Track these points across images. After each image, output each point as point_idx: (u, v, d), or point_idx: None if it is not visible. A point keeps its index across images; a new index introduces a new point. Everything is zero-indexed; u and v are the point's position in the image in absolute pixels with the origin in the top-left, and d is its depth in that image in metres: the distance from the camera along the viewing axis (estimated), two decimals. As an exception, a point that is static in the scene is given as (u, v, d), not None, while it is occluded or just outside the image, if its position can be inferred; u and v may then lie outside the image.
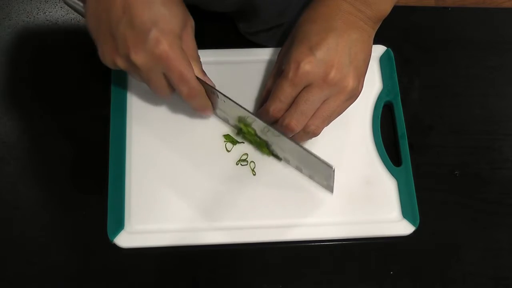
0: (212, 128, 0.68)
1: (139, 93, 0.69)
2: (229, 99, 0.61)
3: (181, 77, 0.57)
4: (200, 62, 0.61)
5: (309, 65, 0.57)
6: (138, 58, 0.55)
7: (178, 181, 0.65)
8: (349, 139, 0.68)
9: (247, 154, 0.66)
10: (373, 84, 0.71)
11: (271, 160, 0.67)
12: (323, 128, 0.62)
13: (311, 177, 0.66)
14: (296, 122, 0.59)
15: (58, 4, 0.75)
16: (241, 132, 0.66)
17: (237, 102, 0.61)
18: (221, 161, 0.66)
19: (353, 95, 0.61)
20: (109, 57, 0.57)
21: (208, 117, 0.68)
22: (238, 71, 0.70)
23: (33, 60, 0.72)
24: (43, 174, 0.67)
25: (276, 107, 0.60)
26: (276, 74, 0.64)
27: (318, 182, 0.66)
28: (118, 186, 0.64)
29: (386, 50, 0.73)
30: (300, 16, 0.63)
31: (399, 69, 0.72)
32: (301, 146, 0.60)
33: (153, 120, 0.68)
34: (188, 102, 0.60)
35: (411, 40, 0.76)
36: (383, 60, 0.73)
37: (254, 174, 0.66)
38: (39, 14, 0.75)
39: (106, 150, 0.66)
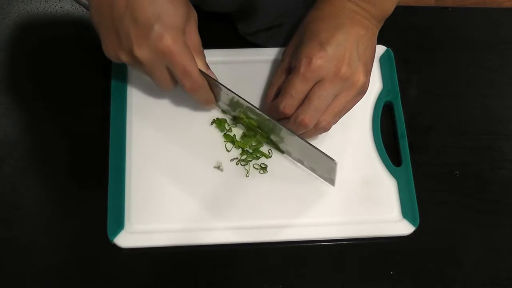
0: (213, 129, 0.68)
1: (139, 92, 0.69)
2: (232, 92, 0.62)
3: (185, 71, 0.57)
4: (204, 55, 0.61)
5: (321, 60, 0.58)
6: (142, 53, 0.55)
7: (178, 182, 0.65)
8: (349, 139, 0.68)
9: (246, 154, 0.67)
10: (373, 84, 0.71)
11: (270, 160, 0.67)
12: (333, 124, 0.62)
13: (312, 169, 0.66)
14: (309, 118, 0.60)
15: (58, 4, 0.75)
16: (243, 123, 0.67)
17: (239, 95, 0.62)
18: (221, 161, 0.66)
19: (363, 90, 0.62)
20: (113, 51, 0.57)
21: (210, 109, 0.68)
22: (238, 71, 0.70)
23: (32, 59, 0.72)
24: (43, 174, 0.67)
25: (287, 103, 0.60)
26: (282, 71, 0.64)
27: (319, 175, 0.66)
28: (118, 186, 0.64)
29: (386, 50, 0.73)
30: (306, 15, 0.64)
31: (399, 69, 0.73)
32: (304, 140, 0.61)
33: (153, 121, 0.68)
34: (191, 95, 0.61)
35: (411, 40, 0.76)
36: (383, 60, 0.73)
37: (248, 176, 0.66)
38: (39, 14, 0.75)
39: (106, 150, 0.66)
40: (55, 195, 0.66)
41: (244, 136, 0.67)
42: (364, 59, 0.60)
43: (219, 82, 0.62)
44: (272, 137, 0.65)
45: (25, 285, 0.62)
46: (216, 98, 0.65)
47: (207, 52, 0.63)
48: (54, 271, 0.63)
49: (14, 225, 0.64)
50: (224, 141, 0.68)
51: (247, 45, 0.74)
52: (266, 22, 0.72)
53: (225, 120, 0.68)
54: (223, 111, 0.69)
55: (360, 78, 0.60)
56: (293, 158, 0.67)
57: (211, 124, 0.68)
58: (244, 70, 0.71)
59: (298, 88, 0.59)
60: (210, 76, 0.61)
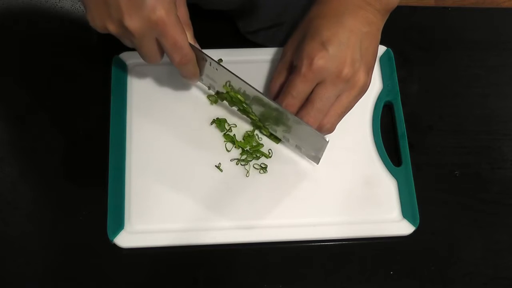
0: (213, 129, 0.68)
1: (139, 92, 0.69)
2: (222, 66, 0.61)
3: (175, 44, 0.56)
4: (192, 28, 0.61)
5: (322, 60, 0.58)
6: (133, 23, 0.54)
7: (178, 181, 0.65)
8: (349, 139, 0.68)
9: (246, 154, 0.67)
10: (373, 84, 0.71)
11: (270, 160, 0.67)
12: (337, 124, 0.62)
13: (297, 147, 0.66)
14: (313, 120, 0.60)
15: (58, 4, 0.75)
16: (229, 98, 0.66)
17: (228, 69, 0.61)
18: (221, 161, 0.66)
19: (364, 89, 0.62)
20: (100, 21, 0.56)
21: (193, 84, 0.68)
22: (238, 71, 0.70)
23: (32, 59, 0.72)
24: (43, 173, 0.67)
25: (288, 102, 0.60)
26: (283, 66, 0.64)
27: (304, 153, 0.66)
28: (118, 186, 0.64)
29: (386, 50, 0.73)
30: (310, 10, 0.63)
31: (399, 69, 0.73)
32: (293, 116, 0.60)
33: (153, 122, 0.68)
34: (178, 68, 0.60)
35: (411, 40, 0.76)
36: (383, 60, 0.73)
37: (248, 176, 0.66)
38: (39, 14, 0.75)
39: (106, 150, 0.66)
40: (55, 195, 0.66)
41: (246, 136, 0.67)
42: (367, 57, 0.60)
43: (208, 56, 0.61)
44: (259, 114, 0.65)
45: (25, 285, 0.62)
46: (200, 72, 0.64)
47: (206, 52, 0.63)
48: (54, 271, 0.63)
49: (14, 225, 0.64)
50: (224, 141, 0.68)
51: (247, 45, 0.74)
52: (266, 21, 0.72)
53: (225, 120, 0.68)
54: (205, 85, 0.68)
55: (362, 78, 0.60)
56: (277, 136, 0.67)
57: (211, 124, 0.68)
58: (245, 70, 0.70)
59: (300, 88, 0.59)
60: (198, 49, 0.60)
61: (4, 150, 0.67)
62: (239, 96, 0.64)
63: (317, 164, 0.66)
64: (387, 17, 0.64)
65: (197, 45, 0.61)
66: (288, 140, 0.66)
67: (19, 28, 0.74)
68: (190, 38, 0.60)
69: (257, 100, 0.63)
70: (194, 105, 0.69)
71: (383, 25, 0.63)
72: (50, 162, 0.67)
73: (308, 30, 0.61)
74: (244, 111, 0.67)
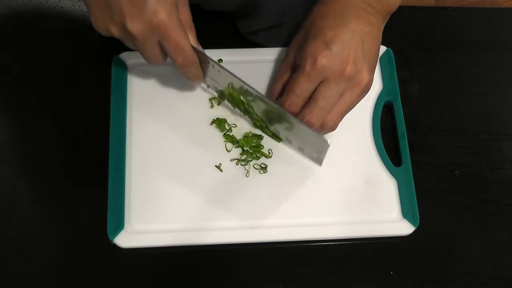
0: (213, 129, 0.68)
1: (139, 92, 0.69)
2: (224, 69, 0.62)
3: (177, 47, 0.57)
4: (195, 30, 0.61)
5: (325, 59, 0.58)
6: (134, 26, 0.54)
7: (178, 182, 0.65)
8: (349, 139, 0.68)
9: (246, 154, 0.67)
10: (373, 84, 0.71)
11: (270, 160, 0.67)
12: (339, 123, 0.62)
13: (300, 149, 0.66)
14: (316, 118, 0.60)
15: (58, 4, 0.75)
16: (231, 99, 0.66)
17: (230, 71, 0.62)
18: (221, 161, 0.66)
19: (367, 88, 0.62)
20: (103, 24, 0.56)
21: (197, 85, 0.68)
22: (239, 71, 0.70)
23: (32, 59, 0.72)
24: (43, 173, 0.67)
25: (292, 101, 0.61)
26: (286, 67, 0.64)
27: (307, 155, 0.66)
28: (118, 186, 0.64)
29: (386, 50, 0.73)
30: (311, 11, 0.63)
31: (399, 69, 0.73)
32: (295, 118, 0.61)
33: (153, 121, 0.68)
34: (181, 70, 0.61)
35: (411, 40, 0.76)
36: (383, 60, 0.73)
37: (248, 176, 0.66)
38: (39, 13, 0.75)
39: (106, 150, 0.66)
40: (55, 195, 0.66)
41: (245, 137, 0.67)
42: (369, 57, 0.61)
43: (210, 59, 0.61)
44: (262, 115, 0.65)
45: (25, 285, 0.62)
46: (204, 74, 0.64)
47: (207, 52, 0.63)
48: (54, 271, 0.63)
49: (14, 225, 0.64)
50: (224, 141, 0.68)
51: (247, 45, 0.74)
52: (267, 21, 0.72)
53: (225, 120, 0.68)
54: (209, 86, 0.68)
55: (365, 77, 0.60)
56: (281, 137, 0.67)
57: (211, 124, 0.68)
58: (245, 70, 0.70)
59: (303, 86, 0.60)
60: (200, 52, 0.61)
61: (4, 150, 0.67)
62: (241, 97, 0.64)
63: (320, 166, 0.66)
64: (387, 19, 0.64)
65: (200, 48, 0.61)
66: (290, 142, 0.67)
67: (19, 28, 0.74)
68: (193, 41, 0.60)
69: (259, 102, 0.63)
70: (194, 105, 0.69)
71: (383, 26, 0.64)
72: (50, 162, 0.67)
73: (311, 31, 0.61)
74: (246, 112, 0.67)
